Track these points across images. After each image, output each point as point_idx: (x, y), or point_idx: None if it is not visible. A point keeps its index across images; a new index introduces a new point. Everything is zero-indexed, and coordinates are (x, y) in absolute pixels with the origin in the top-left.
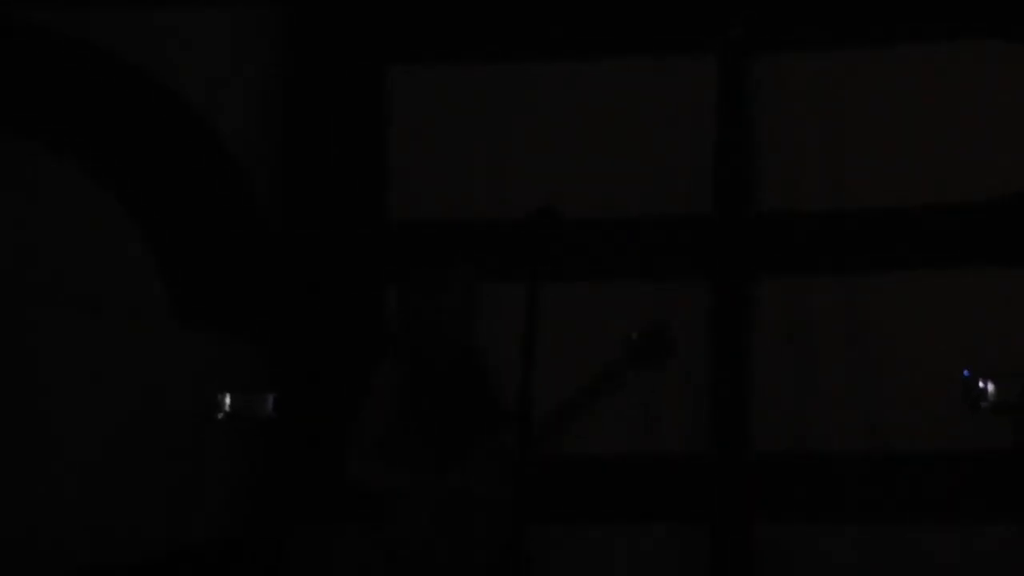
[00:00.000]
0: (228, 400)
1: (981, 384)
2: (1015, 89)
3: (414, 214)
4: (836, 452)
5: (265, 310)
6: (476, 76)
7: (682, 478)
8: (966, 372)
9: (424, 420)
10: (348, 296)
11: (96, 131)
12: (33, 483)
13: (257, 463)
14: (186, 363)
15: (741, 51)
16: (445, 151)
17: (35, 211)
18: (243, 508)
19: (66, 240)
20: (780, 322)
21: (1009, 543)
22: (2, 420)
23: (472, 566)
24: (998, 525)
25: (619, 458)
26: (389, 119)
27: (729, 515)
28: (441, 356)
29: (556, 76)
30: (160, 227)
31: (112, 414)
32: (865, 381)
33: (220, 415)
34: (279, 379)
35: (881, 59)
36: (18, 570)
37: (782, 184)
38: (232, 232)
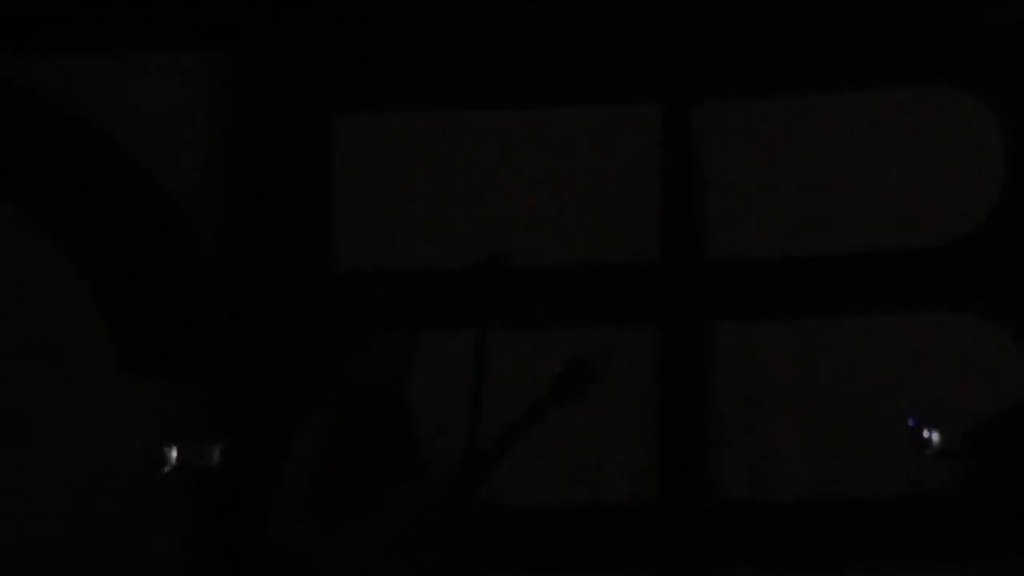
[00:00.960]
0: (174, 453)
1: (926, 433)
2: (956, 134)
3: (360, 263)
4: (787, 499)
5: (211, 359)
6: (421, 125)
7: (632, 527)
8: (911, 421)
9: (355, 470)
10: (294, 344)
11: (41, 180)
12: None
13: (203, 513)
14: (131, 412)
15: (685, 99)
16: (390, 199)
17: None
18: (189, 560)
19: (10, 288)
20: (728, 369)
21: None
22: None
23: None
24: (948, 566)
25: (568, 508)
26: (334, 167)
27: (682, 564)
28: (369, 408)
29: (501, 125)
30: (105, 276)
31: (58, 462)
32: (813, 427)
33: (166, 468)
34: (225, 429)
35: (823, 107)
36: None
37: (727, 231)
38: (177, 281)
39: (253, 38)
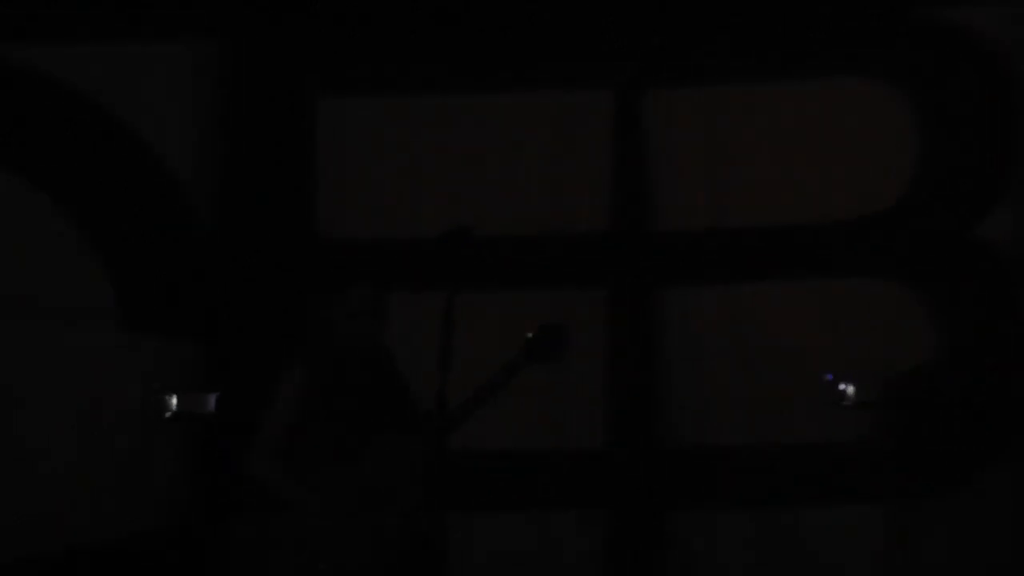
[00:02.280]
0: (174, 400)
1: (842, 386)
2: (872, 120)
3: (339, 231)
4: (724, 445)
5: (206, 316)
6: (396, 108)
7: (586, 471)
8: (829, 376)
9: (335, 418)
10: (280, 304)
11: (51, 155)
12: None
13: (200, 457)
14: (134, 364)
15: (635, 86)
16: (367, 175)
17: None
18: (188, 498)
19: (27, 254)
20: (671, 327)
21: (868, 518)
22: None
23: (385, 558)
24: (860, 505)
25: (530, 453)
26: (317, 145)
27: (634, 504)
28: (352, 355)
29: (469, 108)
30: (108, 241)
31: (65, 412)
32: (747, 380)
33: (167, 414)
34: (220, 379)
35: (755, 95)
36: None
37: (672, 204)
38: (176, 247)
39: (244, 26)
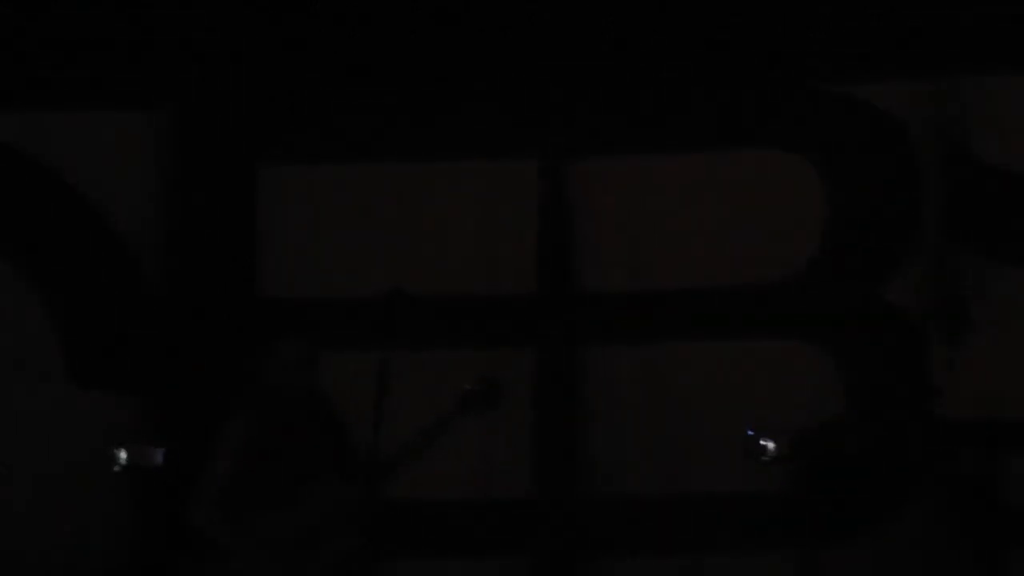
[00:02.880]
0: (123, 454)
1: (762, 442)
2: (788, 190)
3: (279, 291)
4: (642, 494)
5: (153, 372)
6: (334, 174)
7: (511, 519)
8: (749, 431)
9: (272, 465)
10: (223, 359)
11: (3, 217)
12: None
13: (148, 507)
14: (82, 419)
15: (559, 156)
16: (304, 237)
17: None
18: (134, 546)
19: None
20: (593, 384)
21: (781, 565)
22: None
23: None
24: (773, 554)
25: (457, 502)
26: (258, 209)
27: (556, 551)
28: (288, 404)
29: (404, 174)
30: (58, 300)
31: (16, 463)
32: (666, 433)
33: (116, 467)
34: (167, 433)
35: (673, 165)
36: None
37: (594, 267)
38: (123, 305)
39: (189, 99)
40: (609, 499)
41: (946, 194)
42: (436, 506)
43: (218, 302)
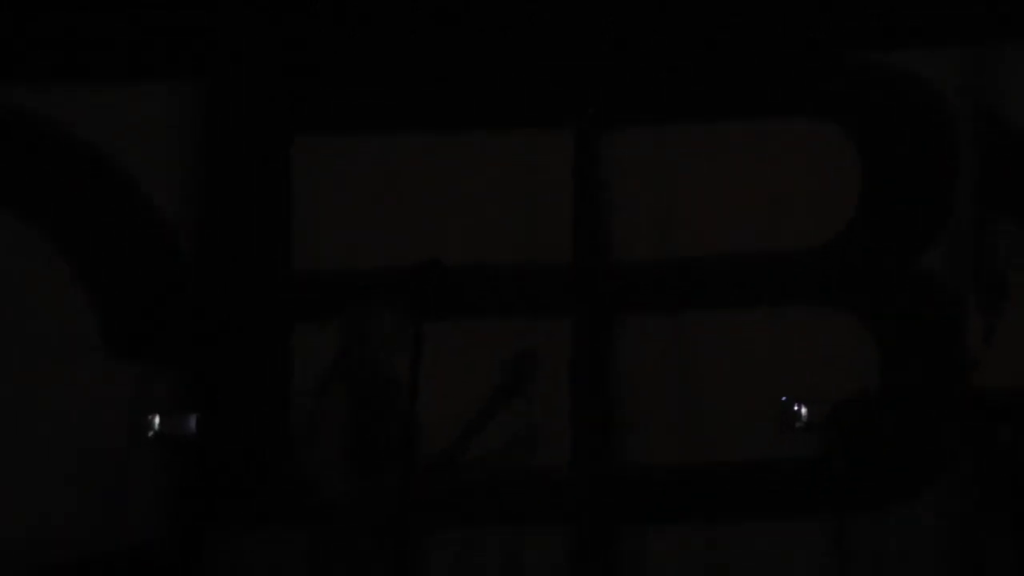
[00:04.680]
0: (156, 421)
1: (796, 408)
2: (822, 158)
3: (314, 263)
4: (676, 462)
5: (188, 344)
6: (370, 145)
7: (547, 488)
8: (784, 399)
9: (365, 432)
10: (258, 331)
11: (41, 191)
12: None
13: (180, 476)
14: (118, 389)
15: (594, 126)
16: (340, 209)
17: None
18: (168, 515)
19: (15, 286)
20: (627, 353)
21: (815, 533)
22: None
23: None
24: (806, 522)
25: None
26: (294, 180)
27: (594, 521)
28: (373, 378)
29: (438, 145)
30: (95, 272)
31: (53, 433)
32: (700, 400)
33: (149, 434)
34: (200, 403)
35: (709, 134)
36: None
37: (629, 237)
38: (159, 277)
39: (227, 69)
40: (644, 467)
41: (981, 162)
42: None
43: (253, 274)
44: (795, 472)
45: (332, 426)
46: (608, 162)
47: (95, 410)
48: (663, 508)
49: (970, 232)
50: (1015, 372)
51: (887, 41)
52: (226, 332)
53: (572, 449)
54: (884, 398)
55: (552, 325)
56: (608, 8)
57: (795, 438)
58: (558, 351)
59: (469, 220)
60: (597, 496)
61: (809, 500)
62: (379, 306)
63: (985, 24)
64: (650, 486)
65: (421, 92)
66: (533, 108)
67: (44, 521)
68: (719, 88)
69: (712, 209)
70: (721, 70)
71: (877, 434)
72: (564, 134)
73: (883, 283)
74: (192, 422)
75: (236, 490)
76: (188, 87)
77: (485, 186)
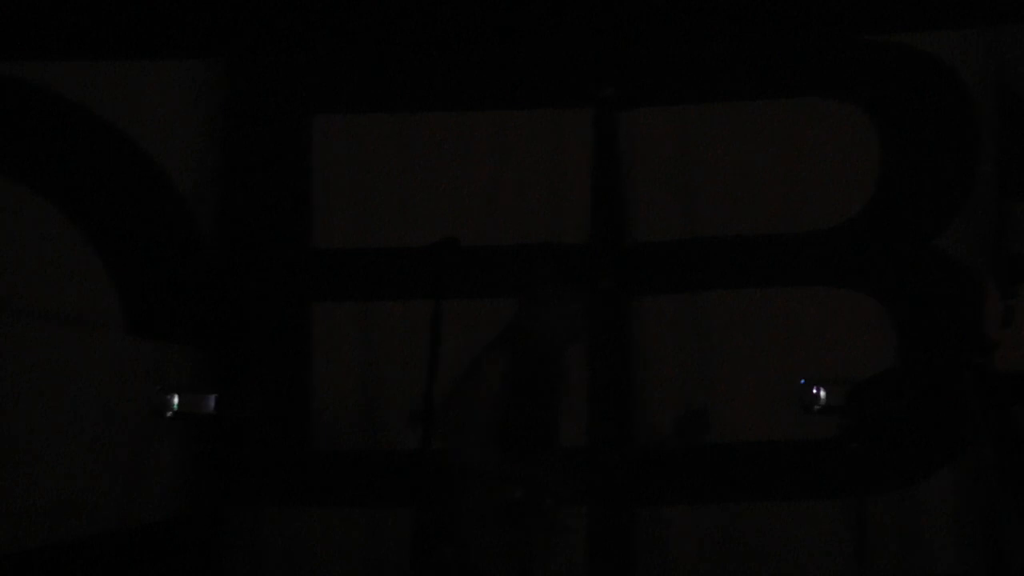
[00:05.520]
0: (176, 400)
1: (814, 391)
2: (840, 139)
3: (333, 241)
4: (692, 444)
5: (207, 323)
6: (388, 124)
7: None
8: (802, 381)
9: (519, 410)
10: (277, 310)
11: (62, 169)
12: (2, 468)
13: (200, 453)
14: (137, 366)
15: (612, 106)
16: (359, 188)
17: (3, 237)
18: (185, 493)
19: (38, 265)
20: (645, 334)
21: (834, 513)
22: None
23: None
24: (825, 503)
25: None
26: (313, 159)
27: (613, 499)
28: (551, 355)
29: (457, 124)
30: (115, 250)
31: (74, 410)
32: (718, 381)
33: (169, 413)
34: (220, 380)
35: (727, 114)
36: None
37: (647, 217)
38: (179, 256)
39: (246, 47)
40: (662, 448)
41: (1000, 144)
42: None
43: (272, 252)
44: (813, 453)
45: (487, 397)
46: (627, 142)
47: (116, 388)
48: (681, 489)
49: (989, 214)
50: None
51: (907, 22)
52: (246, 310)
53: (589, 430)
54: (902, 380)
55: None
56: None
57: (813, 420)
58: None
59: (488, 200)
60: (615, 478)
61: (827, 481)
62: (561, 290)
63: (1006, 4)
64: (666, 466)
65: (440, 71)
66: (553, 87)
67: (65, 497)
68: (738, 68)
69: (730, 190)
70: (741, 50)
71: (895, 417)
72: (583, 114)
73: (901, 265)
74: (211, 401)
75: (255, 467)
76: (208, 66)
77: (504, 166)
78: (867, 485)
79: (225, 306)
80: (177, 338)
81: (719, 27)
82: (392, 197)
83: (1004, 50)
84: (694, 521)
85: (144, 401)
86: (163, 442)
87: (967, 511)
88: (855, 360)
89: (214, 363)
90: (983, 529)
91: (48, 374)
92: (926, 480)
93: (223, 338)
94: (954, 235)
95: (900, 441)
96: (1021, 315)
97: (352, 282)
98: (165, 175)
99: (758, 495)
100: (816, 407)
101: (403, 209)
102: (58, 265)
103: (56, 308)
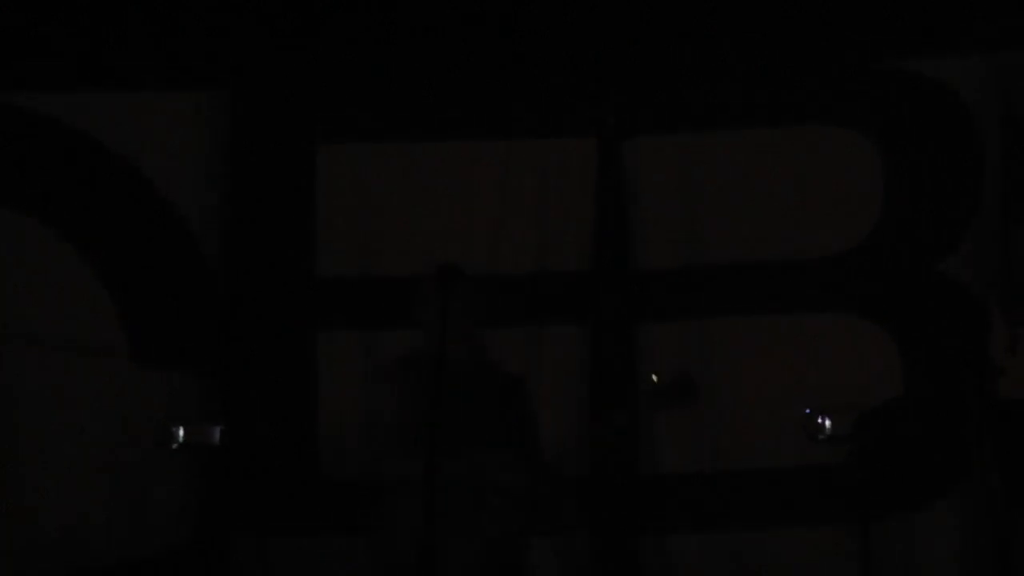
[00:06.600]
0: (181, 432)
1: (819, 419)
2: (844, 166)
3: (338, 271)
4: (698, 471)
5: (212, 351)
6: (392, 154)
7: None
8: (808, 410)
9: (444, 413)
10: (282, 339)
11: (66, 199)
12: (9, 498)
13: (204, 486)
14: (143, 398)
15: (616, 134)
16: (363, 216)
17: (12, 267)
18: (191, 524)
19: (41, 293)
20: (648, 362)
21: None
22: None
23: (468, 560)
24: (830, 529)
25: None
26: (317, 188)
27: (614, 528)
28: (459, 354)
29: (460, 153)
30: (122, 281)
31: (80, 441)
32: (718, 411)
33: (174, 445)
34: (225, 410)
35: (730, 142)
36: None
37: (651, 244)
38: (183, 284)
39: (249, 78)
40: (665, 475)
41: (1006, 169)
42: None
43: (277, 281)
44: (819, 481)
45: (399, 408)
46: (631, 170)
47: (121, 418)
48: (687, 517)
49: (994, 240)
50: None
51: (911, 49)
52: (251, 340)
53: (591, 459)
54: (907, 408)
55: (569, 334)
56: (632, 16)
57: (819, 449)
58: (578, 360)
59: (492, 228)
60: (620, 505)
61: (833, 508)
62: (470, 288)
63: (1010, 31)
64: (670, 494)
65: (444, 100)
66: (556, 116)
67: (71, 527)
68: (742, 95)
69: (734, 217)
70: (744, 77)
71: (901, 445)
72: (587, 143)
73: (907, 291)
74: (216, 433)
75: (262, 497)
76: (213, 96)
77: (508, 194)
78: (873, 512)
79: (230, 336)
80: (182, 368)
81: (722, 55)
82: (396, 226)
83: (1008, 76)
84: (700, 548)
85: (150, 431)
86: (169, 473)
87: (973, 538)
88: (860, 387)
89: (219, 393)
90: (990, 556)
91: (53, 404)
92: (932, 507)
93: (228, 368)
94: (959, 261)
95: (906, 468)
96: None
97: (357, 311)
98: (171, 206)
99: (764, 522)
100: (821, 436)
101: (407, 238)
102: (64, 295)
103: (61, 338)
